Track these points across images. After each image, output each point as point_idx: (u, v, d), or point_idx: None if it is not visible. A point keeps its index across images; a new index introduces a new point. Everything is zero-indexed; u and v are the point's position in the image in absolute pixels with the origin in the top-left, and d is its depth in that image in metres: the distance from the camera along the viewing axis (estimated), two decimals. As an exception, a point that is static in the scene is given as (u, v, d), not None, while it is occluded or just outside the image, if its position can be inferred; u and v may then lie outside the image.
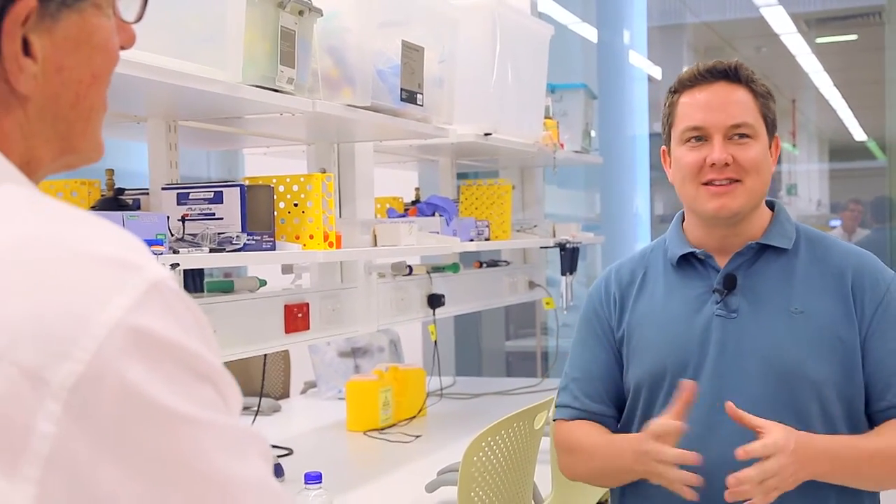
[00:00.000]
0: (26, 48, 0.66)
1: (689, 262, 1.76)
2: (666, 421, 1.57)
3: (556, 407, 1.87)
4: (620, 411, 1.82)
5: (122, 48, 0.73)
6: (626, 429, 1.80)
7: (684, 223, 1.81)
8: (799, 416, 1.62)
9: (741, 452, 1.52)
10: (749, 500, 1.53)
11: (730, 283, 1.70)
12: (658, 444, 1.56)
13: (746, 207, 1.69)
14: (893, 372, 1.65)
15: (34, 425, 0.56)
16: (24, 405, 0.56)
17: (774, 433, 1.53)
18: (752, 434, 1.64)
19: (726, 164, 1.66)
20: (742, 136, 1.68)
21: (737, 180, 1.67)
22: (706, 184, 1.68)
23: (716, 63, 1.72)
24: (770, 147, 1.74)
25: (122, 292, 0.59)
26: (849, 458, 1.59)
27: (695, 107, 1.70)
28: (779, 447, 1.52)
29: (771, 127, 1.73)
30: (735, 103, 1.69)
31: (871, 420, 1.67)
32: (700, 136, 1.69)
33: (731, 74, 1.70)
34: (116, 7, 0.72)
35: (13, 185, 0.65)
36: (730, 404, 1.56)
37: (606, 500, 2.72)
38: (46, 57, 0.67)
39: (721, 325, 1.69)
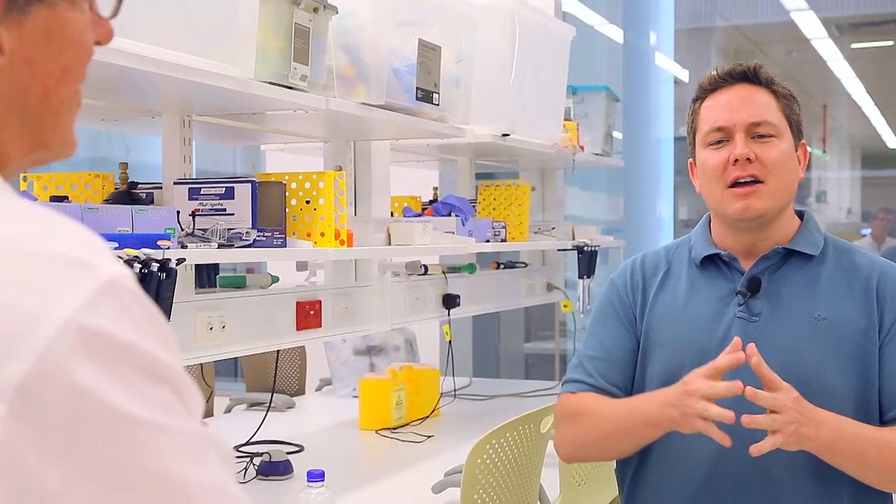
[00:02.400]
0: None
1: (713, 262, 1.75)
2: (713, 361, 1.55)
3: (563, 383, 1.81)
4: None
5: (99, 44, 0.72)
6: None
7: (711, 225, 1.80)
8: None
9: (750, 391, 1.50)
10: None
11: (754, 286, 1.69)
12: (707, 381, 1.53)
13: (772, 209, 1.68)
14: None
15: None
16: None
17: (781, 380, 1.53)
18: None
19: (749, 160, 1.65)
20: (764, 135, 1.67)
21: (759, 181, 1.66)
22: (732, 186, 1.67)
23: (735, 65, 1.71)
24: (796, 151, 1.72)
25: (73, 291, 0.57)
26: (853, 434, 1.56)
27: (716, 108, 1.70)
28: (783, 385, 1.52)
29: (796, 130, 1.71)
30: (756, 103, 1.68)
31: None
32: (722, 138, 1.69)
33: (751, 76, 1.70)
34: (93, 2, 0.71)
35: None
36: (752, 346, 1.54)
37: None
38: (14, 49, 0.65)
39: (742, 328, 1.67)
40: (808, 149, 1.76)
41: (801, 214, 1.78)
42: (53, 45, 0.67)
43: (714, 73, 1.73)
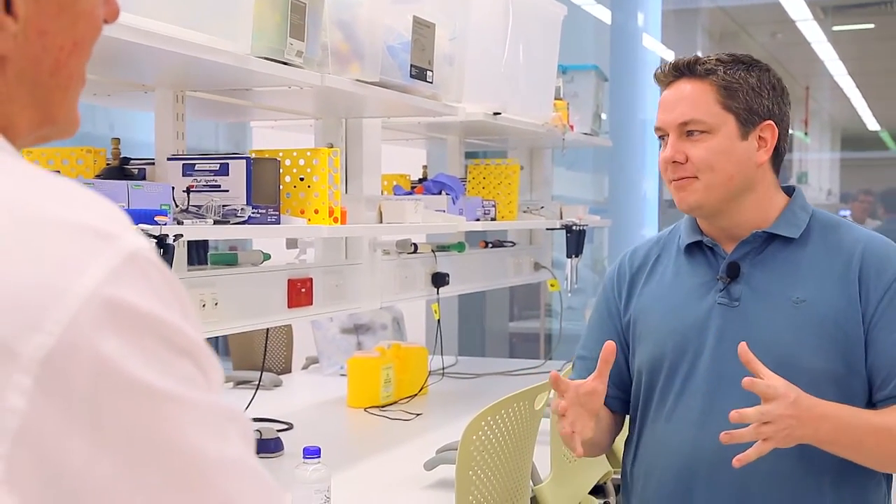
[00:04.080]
0: (8, 7, 0.63)
1: (699, 249, 1.76)
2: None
3: None
4: (625, 392, 1.83)
5: (106, 21, 0.71)
6: (633, 413, 1.81)
7: None
8: None
9: (735, 415, 1.49)
10: (739, 454, 1.50)
11: (733, 272, 1.70)
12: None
13: (707, 201, 1.69)
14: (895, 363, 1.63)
15: (3, 399, 0.53)
16: None
17: (776, 380, 1.51)
18: None
19: (677, 162, 1.68)
20: (694, 132, 1.68)
21: (694, 176, 1.69)
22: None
23: (676, 61, 1.72)
24: (748, 137, 1.69)
25: (97, 262, 0.56)
26: (853, 426, 1.57)
27: (659, 107, 1.74)
28: (779, 393, 1.49)
29: (744, 117, 1.68)
30: (685, 100, 1.69)
31: (872, 408, 1.65)
32: (662, 136, 1.73)
33: (685, 70, 1.70)
34: None
35: None
36: (743, 345, 1.54)
37: (605, 482, 2.72)
38: (29, 18, 0.64)
39: (722, 314, 1.69)
40: (791, 131, 1.77)
41: (792, 190, 1.78)
42: (66, 17, 0.66)
43: (660, 68, 1.76)
